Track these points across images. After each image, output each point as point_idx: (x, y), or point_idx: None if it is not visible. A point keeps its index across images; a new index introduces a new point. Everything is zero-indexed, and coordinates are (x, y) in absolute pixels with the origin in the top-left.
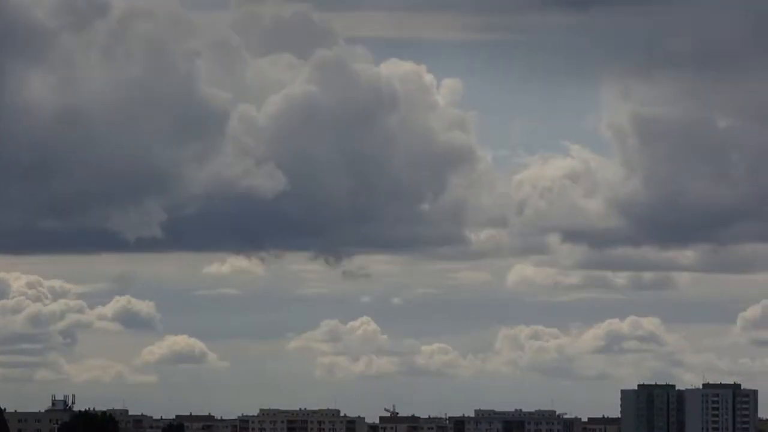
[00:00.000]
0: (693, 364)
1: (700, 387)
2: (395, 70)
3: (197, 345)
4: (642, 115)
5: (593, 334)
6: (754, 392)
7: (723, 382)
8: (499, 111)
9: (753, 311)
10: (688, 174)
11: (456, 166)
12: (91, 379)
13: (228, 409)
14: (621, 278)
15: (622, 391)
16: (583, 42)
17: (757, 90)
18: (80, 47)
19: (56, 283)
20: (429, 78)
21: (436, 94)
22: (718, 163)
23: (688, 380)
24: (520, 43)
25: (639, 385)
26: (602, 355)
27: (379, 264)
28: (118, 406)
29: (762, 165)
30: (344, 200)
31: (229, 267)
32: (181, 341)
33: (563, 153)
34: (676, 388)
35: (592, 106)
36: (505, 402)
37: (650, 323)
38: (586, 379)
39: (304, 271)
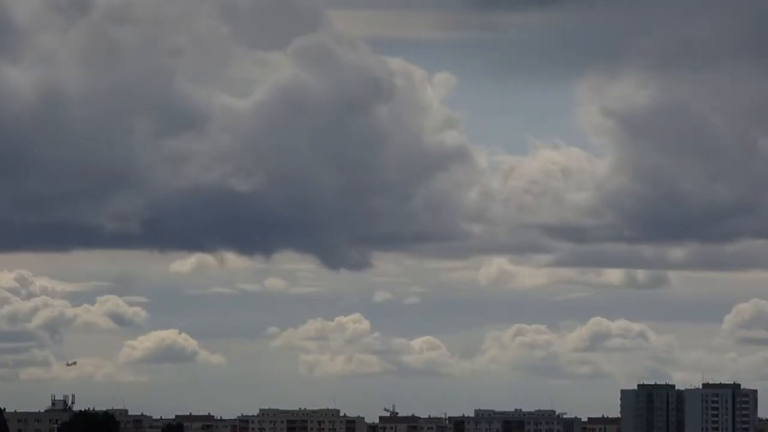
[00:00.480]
0: (684, 363)
1: (700, 387)
2: (385, 65)
3: (190, 344)
4: (628, 110)
5: (584, 333)
6: (754, 392)
7: (723, 382)
8: (489, 108)
9: (743, 309)
10: (676, 170)
11: (446, 163)
12: (81, 378)
13: (228, 409)
14: (612, 276)
15: (622, 391)
16: (565, 39)
17: (746, 87)
18: (58, 43)
19: (45, 281)
20: (420, 74)
21: (427, 90)
22: (707, 159)
23: (678, 378)
24: (506, 40)
25: (639, 385)
26: (593, 353)
27: (371, 262)
28: (118, 406)
29: (750, 162)
30: (336, 198)
31: (219, 265)
32: (172, 339)
33: (552, 150)
34: (676, 388)
35: (582, 102)
36: (505, 402)
37: (641, 322)
38: (577, 378)
39: (297, 270)
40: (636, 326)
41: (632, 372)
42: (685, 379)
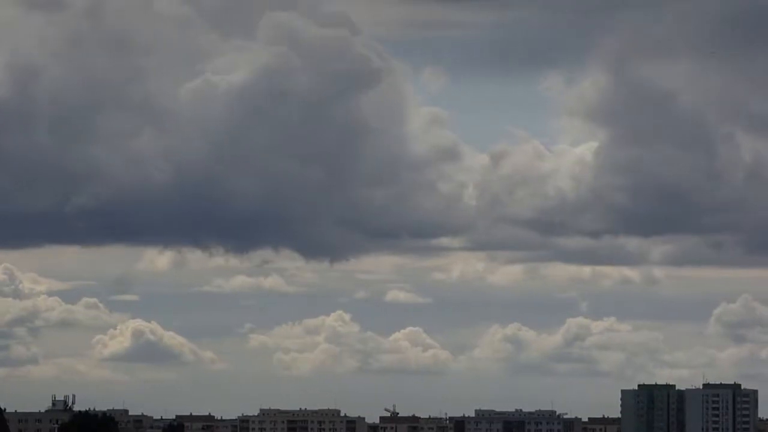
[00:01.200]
0: (674, 361)
1: (700, 387)
2: (367, 58)
3: (185, 343)
4: (614, 104)
5: (574, 332)
6: (754, 392)
7: (723, 382)
8: (474, 104)
9: (730, 307)
10: (664, 165)
11: (430, 159)
12: (70, 378)
13: (228, 409)
14: (603, 273)
15: (622, 391)
16: (532, 34)
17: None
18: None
19: (32, 277)
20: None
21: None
22: (693, 153)
23: (665, 375)
24: (474, 37)
25: (639, 385)
26: (591, 352)
27: (365, 261)
28: (118, 406)
29: (740, 159)
30: (320, 196)
31: (209, 264)
32: (168, 339)
33: (533, 145)
34: (676, 388)
35: (557, 97)
36: (505, 402)
37: (631, 320)
38: (577, 378)
39: (285, 267)
40: (624, 325)
41: (625, 371)
42: (674, 376)
